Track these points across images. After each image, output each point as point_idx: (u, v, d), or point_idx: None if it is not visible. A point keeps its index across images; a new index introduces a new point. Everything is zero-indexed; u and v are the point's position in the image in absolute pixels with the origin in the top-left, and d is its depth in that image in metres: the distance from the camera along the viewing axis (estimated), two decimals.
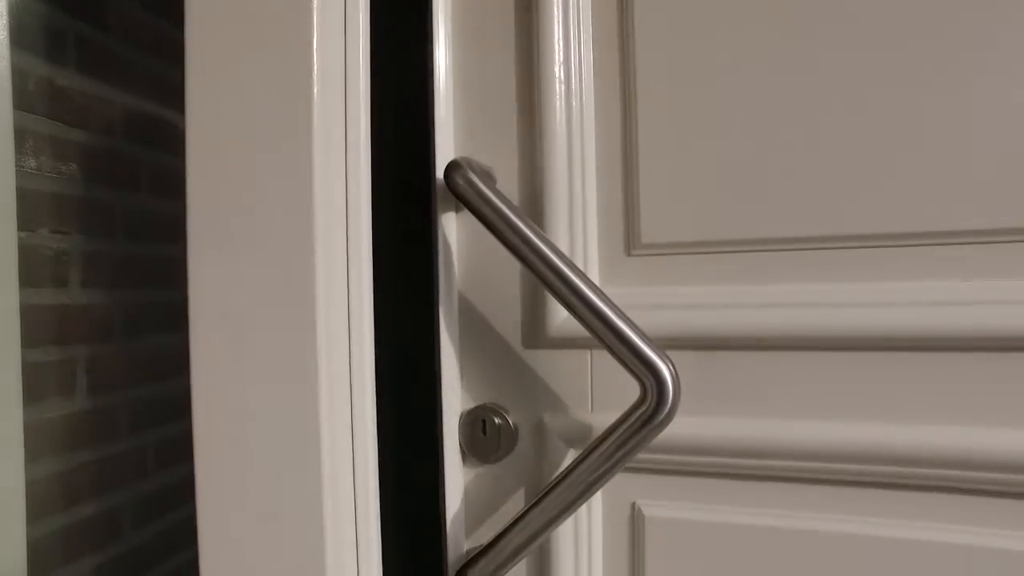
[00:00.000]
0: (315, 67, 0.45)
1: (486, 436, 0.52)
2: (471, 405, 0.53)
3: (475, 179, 0.46)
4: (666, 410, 0.41)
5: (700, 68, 0.47)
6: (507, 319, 0.52)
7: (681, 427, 0.47)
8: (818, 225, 0.45)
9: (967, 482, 0.43)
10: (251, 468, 0.47)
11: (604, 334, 0.42)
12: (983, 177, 0.42)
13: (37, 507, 0.78)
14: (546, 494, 0.44)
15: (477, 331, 0.52)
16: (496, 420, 0.52)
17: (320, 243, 0.45)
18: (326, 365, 0.45)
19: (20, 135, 0.77)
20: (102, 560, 0.87)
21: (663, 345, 0.48)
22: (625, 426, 0.41)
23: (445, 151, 0.52)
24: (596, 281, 0.50)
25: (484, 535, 0.51)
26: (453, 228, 0.53)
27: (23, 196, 0.77)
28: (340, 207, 0.47)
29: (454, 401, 0.53)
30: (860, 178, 0.44)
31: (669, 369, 0.41)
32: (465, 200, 0.46)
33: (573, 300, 0.43)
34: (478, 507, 0.52)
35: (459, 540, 0.51)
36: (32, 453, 0.77)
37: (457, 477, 0.52)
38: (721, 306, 0.47)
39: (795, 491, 0.46)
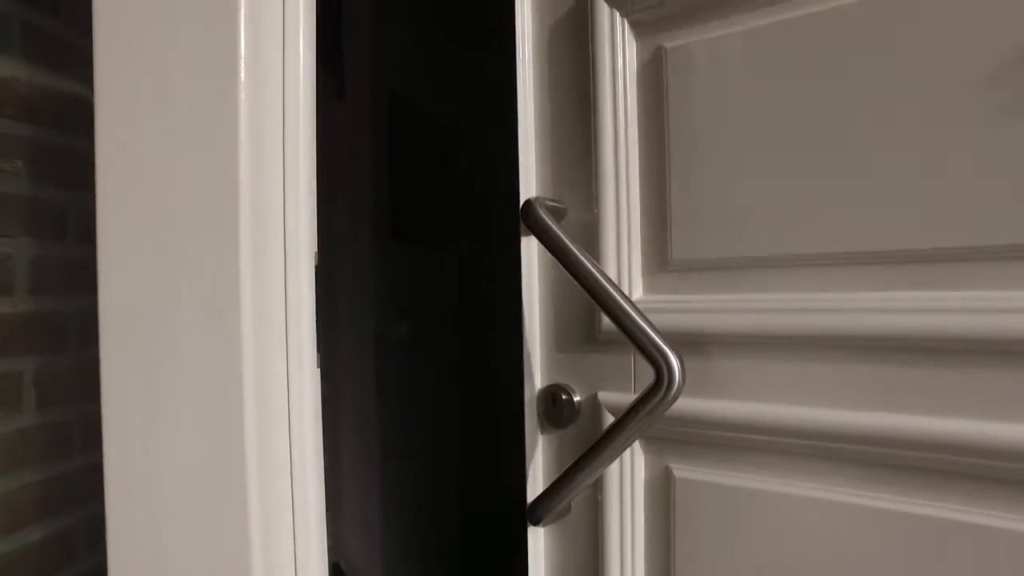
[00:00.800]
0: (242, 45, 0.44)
1: (556, 408, 0.68)
2: (546, 384, 0.69)
3: (543, 217, 0.62)
4: (675, 389, 0.54)
5: (719, 138, 0.59)
6: (573, 320, 0.67)
7: (706, 407, 0.60)
8: (810, 245, 0.55)
9: (943, 464, 0.51)
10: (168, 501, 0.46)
11: (631, 331, 0.56)
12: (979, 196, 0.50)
13: None
14: (592, 449, 0.59)
15: (551, 329, 0.69)
16: (564, 396, 0.68)
17: (245, 251, 0.44)
18: (252, 380, 0.45)
19: None
20: None
21: (692, 340, 0.61)
22: (646, 401, 0.56)
23: (528, 187, 0.69)
24: (639, 290, 0.64)
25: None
26: (535, 250, 0.70)
27: None
28: (277, 215, 0.47)
29: (534, 380, 0.69)
30: (844, 206, 0.54)
31: (677, 358, 0.54)
32: (535, 234, 0.62)
33: (611, 307, 0.58)
34: (550, 460, 0.69)
35: (537, 483, 0.68)
36: None
37: (536, 437, 0.69)
38: (740, 310, 0.59)
39: (796, 463, 0.57)
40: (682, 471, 0.62)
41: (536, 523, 0.64)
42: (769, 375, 0.58)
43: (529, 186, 0.70)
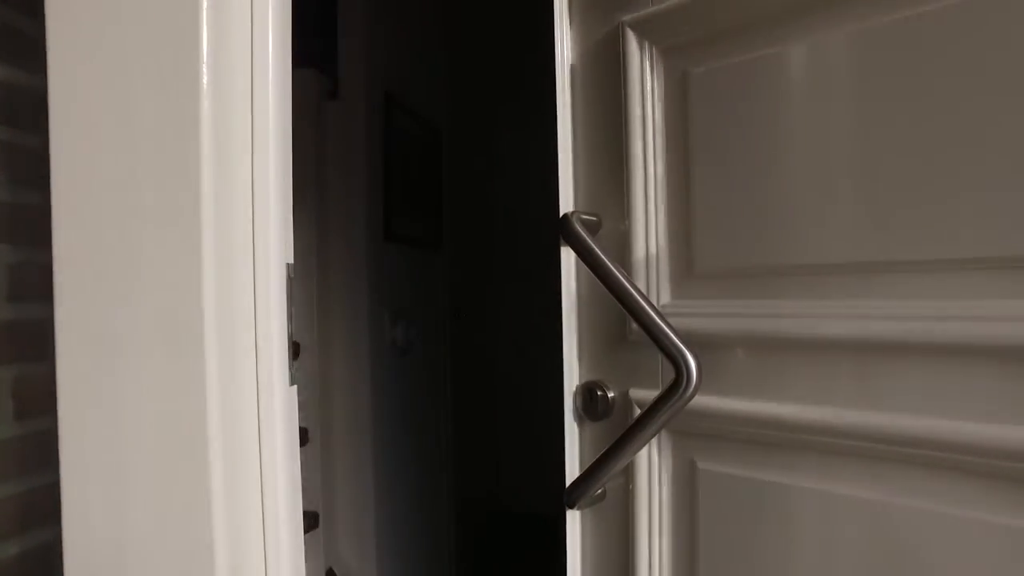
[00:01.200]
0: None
1: (593, 403, 0.75)
2: (583, 381, 0.76)
3: (577, 230, 0.69)
4: (693, 386, 0.60)
5: (738, 156, 0.64)
6: (607, 323, 0.74)
7: (728, 404, 0.65)
8: (824, 255, 0.59)
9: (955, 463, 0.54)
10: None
11: (654, 334, 0.62)
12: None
13: None
14: (620, 440, 0.65)
15: (588, 330, 0.75)
16: (599, 392, 0.74)
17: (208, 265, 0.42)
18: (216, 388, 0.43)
19: None
20: None
21: (716, 342, 0.66)
22: (667, 397, 0.61)
23: (566, 201, 0.76)
24: (667, 295, 0.70)
25: None
26: (573, 258, 0.76)
27: None
28: (245, 222, 0.45)
29: (574, 377, 0.76)
30: (855, 219, 0.57)
31: (695, 358, 0.60)
32: (570, 245, 0.69)
33: (636, 311, 0.64)
34: (587, 450, 0.75)
35: (575, 471, 0.75)
36: None
37: (574, 428, 0.76)
38: (759, 315, 0.63)
39: (813, 459, 0.61)
40: (705, 464, 0.67)
41: (571, 506, 0.71)
42: (787, 376, 0.62)
43: (567, 200, 0.77)
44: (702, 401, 0.63)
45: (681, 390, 0.60)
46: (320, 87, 1.54)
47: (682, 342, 0.61)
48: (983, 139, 0.51)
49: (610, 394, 0.74)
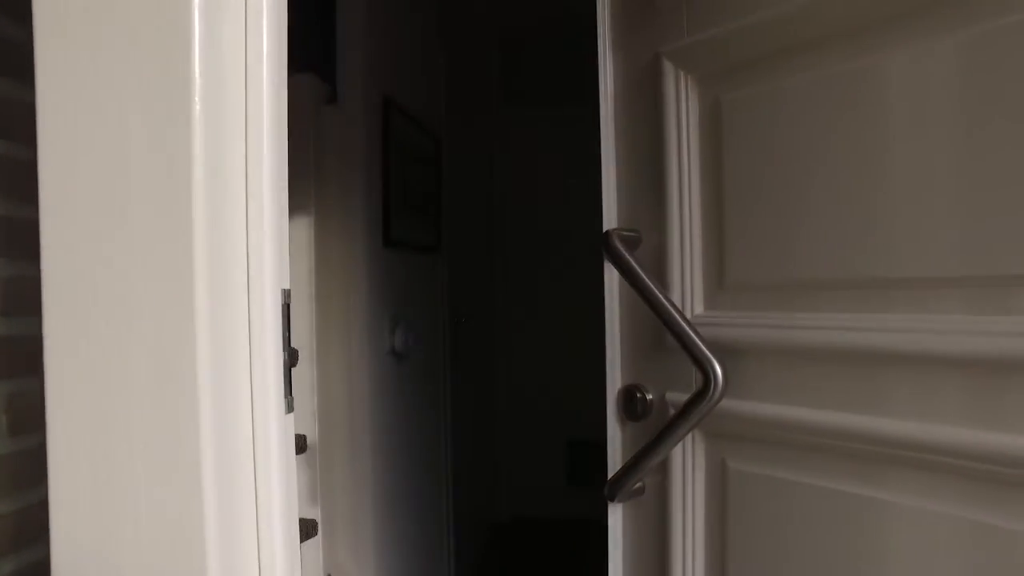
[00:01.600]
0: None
1: (633, 404, 0.81)
2: (625, 384, 0.82)
3: (618, 246, 0.75)
4: (719, 391, 0.65)
5: (767, 175, 0.69)
6: (647, 331, 0.80)
7: (753, 408, 0.70)
8: (848, 271, 0.63)
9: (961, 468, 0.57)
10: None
11: (685, 343, 0.68)
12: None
13: None
14: (654, 440, 0.71)
15: (629, 338, 0.82)
16: (639, 394, 0.80)
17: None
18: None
19: None
20: None
21: (746, 350, 0.71)
22: (697, 400, 0.67)
23: (609, 218, 0.82)
24: (700, 307, 0.75)
25: None
26: (615, 272, 0.83)
27: None
28: (240, 247, 0.44)
29: (616, 380, 0.83)
30: (876, 237, 0.61)
31: (722, 365, 0.65)
32: (611, 260, 0.76)
33: (669, 321, 0.69)
34: (627, 449, 0.81)
35: (616, 465, 0.81)
36: None
37: (617, 428, 0.82)
38: (787, 326, 0.68)
39: (837, 463, 0.65)
40: (735, 463, 0.72)
41: (611, 499, 0.78)
42: (810, 382, 0.66)
43: (610, 217, 0.83)
44: (734, 405, 0.69)
45: (709, 394, 0.66)
46: (319, 92, 1.48)
47: (710, 350, 0.66)
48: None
49: (649, 396, 0.79)
